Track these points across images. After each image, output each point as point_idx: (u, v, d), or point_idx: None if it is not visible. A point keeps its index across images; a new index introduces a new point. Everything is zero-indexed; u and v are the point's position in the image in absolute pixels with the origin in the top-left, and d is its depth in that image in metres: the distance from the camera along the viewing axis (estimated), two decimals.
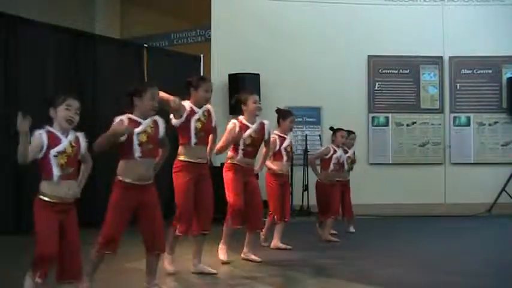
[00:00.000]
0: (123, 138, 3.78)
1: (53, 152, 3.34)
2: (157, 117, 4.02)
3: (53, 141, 3.37)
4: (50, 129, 3.41)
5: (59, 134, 3.41)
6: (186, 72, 9.75)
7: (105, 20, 12.31)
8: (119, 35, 12.25)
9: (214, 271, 4.90)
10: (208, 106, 4.85)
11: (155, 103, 3.95)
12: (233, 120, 5.36)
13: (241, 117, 5.39)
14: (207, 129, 4.82)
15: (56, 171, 3.34)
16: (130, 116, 3.89)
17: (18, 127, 3.18)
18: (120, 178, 3.89)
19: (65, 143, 3.39)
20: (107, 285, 3.87)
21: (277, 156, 6.15)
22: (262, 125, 5.47)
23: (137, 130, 3.84)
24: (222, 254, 5.43)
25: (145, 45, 9.44)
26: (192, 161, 4.72)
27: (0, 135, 6.89)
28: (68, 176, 3.39)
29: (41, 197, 3.37)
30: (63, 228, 3.38)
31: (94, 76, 8.18)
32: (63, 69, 7.73)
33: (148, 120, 3.93)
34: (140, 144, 3.84)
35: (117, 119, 3.86)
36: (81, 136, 3.53)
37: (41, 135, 3.36)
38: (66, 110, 3.42)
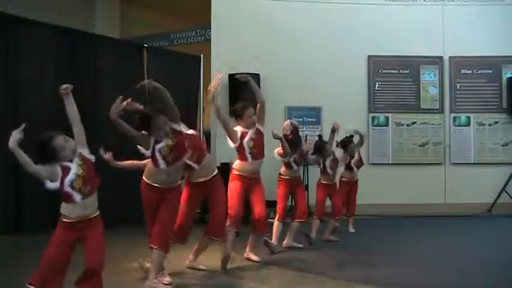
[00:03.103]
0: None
1: (67, 181, 3.45)
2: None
3: (65, 171, 3.46)
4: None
5: (66, 162, 3.49)
6: (186, 72, 9.79)
7: (105, 20, 12.31)
8: (119, 35, 12.25)
9: (204, 267, 5.12)
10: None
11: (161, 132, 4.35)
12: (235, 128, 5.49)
13: (238, 127, 5.48)
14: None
15: (77, 198, 3.46)
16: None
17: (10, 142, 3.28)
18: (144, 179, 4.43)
19: (73, 169, 3.48)
20: (107, 285, 3.86)
21: (286, 164, 6.32)
22: (258, 128, 5.50)
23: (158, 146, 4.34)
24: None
25: (145, 45, 9.44)
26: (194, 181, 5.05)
27: (0, 135, 6.89)
28: (88, 193, 3.51)
29: (62, 218, 3.52)
30: (84, 244, 3.53)
31: (94, 76, 8.18)
32: (63, 69, 7.73)
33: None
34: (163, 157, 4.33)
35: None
36: (83, 151, 3.58)
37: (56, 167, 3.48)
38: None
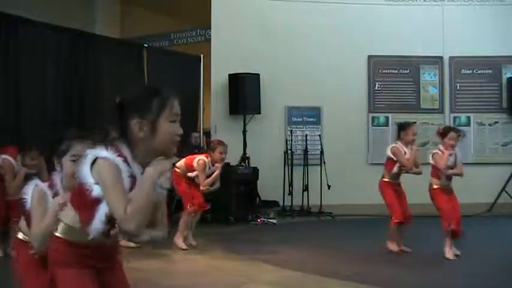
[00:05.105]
0: None
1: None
2: None
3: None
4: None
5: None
6: (186, 72, 9.80)
7: (105, 20, 12.32)
8: (119, 35, 12.26)
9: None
10: None
11: None
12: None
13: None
14: None
15: None
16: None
17: None
18: None
19: None
20: None
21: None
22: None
23: None
24: None
25: (146, 45, 9.44)
26: None
27: (0, 136, 6.89)
28: None
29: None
30: None
31: (94, 76, 8.18)
32: (63, 69, 7.72)
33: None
34: None
35: None
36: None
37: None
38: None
